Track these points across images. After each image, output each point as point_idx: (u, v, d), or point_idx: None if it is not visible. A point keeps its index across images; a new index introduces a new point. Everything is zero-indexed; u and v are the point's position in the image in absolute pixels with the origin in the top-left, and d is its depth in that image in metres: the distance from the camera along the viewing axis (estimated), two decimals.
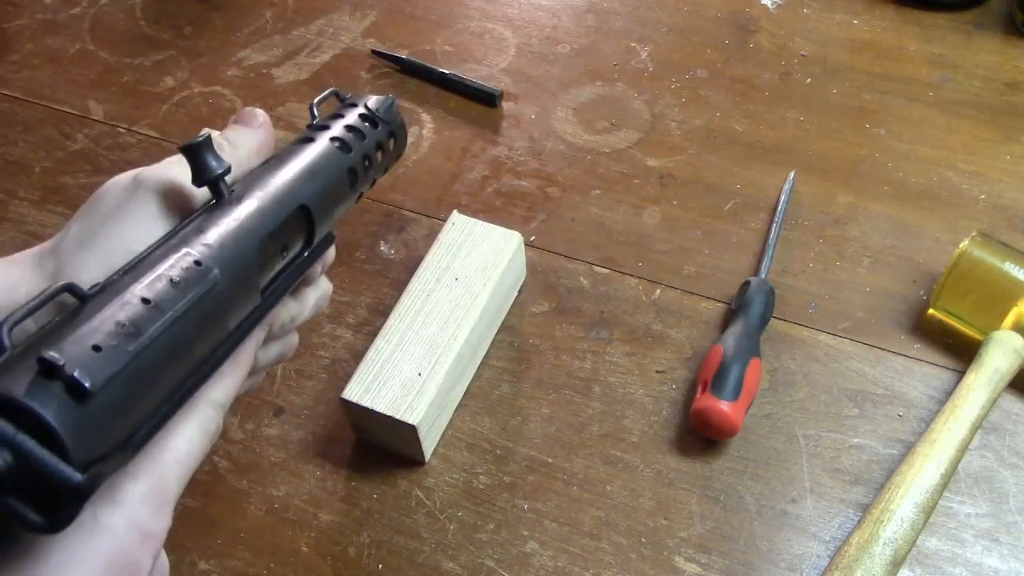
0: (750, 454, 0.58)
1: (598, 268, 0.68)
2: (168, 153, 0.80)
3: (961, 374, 0.59)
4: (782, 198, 0.70)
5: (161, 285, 0.32)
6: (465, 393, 0.62)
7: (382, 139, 0.46)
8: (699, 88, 0.80)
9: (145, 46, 0.86)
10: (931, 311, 0.63)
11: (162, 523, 0.32)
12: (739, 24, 0.85)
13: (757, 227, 0.70)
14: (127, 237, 0.36)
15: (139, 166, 0.39)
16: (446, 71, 0.80)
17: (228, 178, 0.37)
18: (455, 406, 0.61)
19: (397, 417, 0.55)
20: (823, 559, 0.54)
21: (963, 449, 0.55)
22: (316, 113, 0.45)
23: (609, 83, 0.81)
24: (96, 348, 0.28)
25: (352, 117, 0.45)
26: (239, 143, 0.41)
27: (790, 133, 0.76)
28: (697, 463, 0.58)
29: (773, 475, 0.57)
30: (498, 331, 0.65)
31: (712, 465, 0.58)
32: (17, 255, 0.38)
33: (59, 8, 0.90)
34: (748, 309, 0.62)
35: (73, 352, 0.28)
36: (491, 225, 0.64)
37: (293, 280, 0.40)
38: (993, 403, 0.57)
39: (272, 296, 0.39)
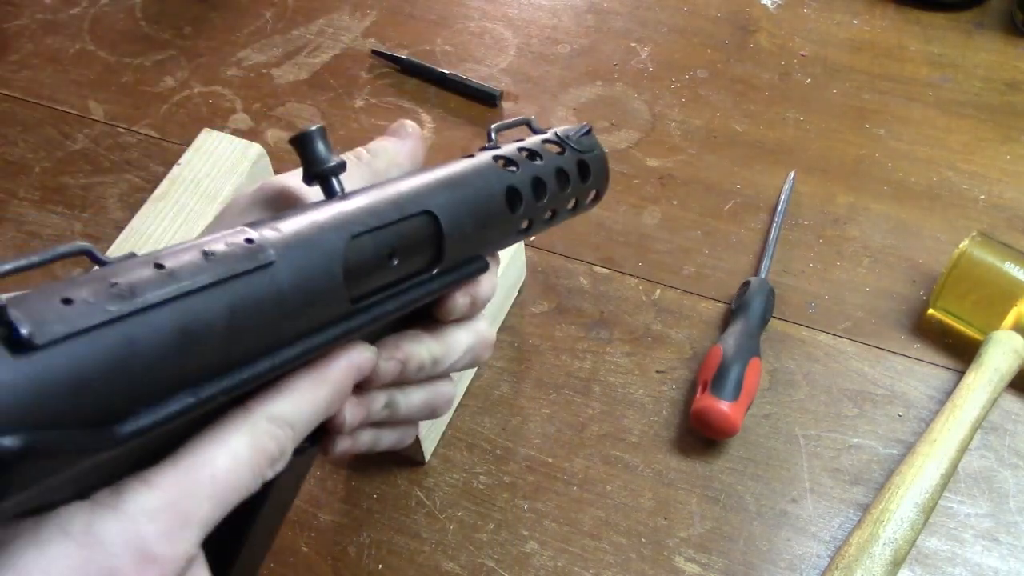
0: (750, 454, 0.58)
1: (598, 268, 0.68)
2: (169, 152, 0.80)
3: (961, 374, 0.59)
4: (782, 198, 0.70)
5: (188, 256, 0.27)
6: (465, 393, 0.62)
7: (567, 166, 0.40)
8: (699, 88, 0.80)
9: (145, 46, 0.86)
10: (931, 311, 0.63)
11: (174, 548, 0.27)
12: (739, 24, 0.85)
13: (757, 227, 0.70)
14: None
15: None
16: (446, 71, 0.80)
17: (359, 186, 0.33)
18: (455, 406, 0.61)
19: None
20: (823, 559, 0.54)
21: (963, 449, 0.55)
22: (494, 137, 0.40)
23: (609, 83, 0.81)
24: (66, 301, 0.24)
25: (533, 140, 0.40)
26: (380, 152, 0.38)
27: (790, 133, 0.76)
28: (697, 463, 0.58)
29: (773, 475, 0.57)
30: (498, 331, 0.65)
31: (712, 465, 0.58)
32: None
33: (59, 8, 0.90)
34: (748, 309, 0.62)
35: (33, 300, 0.24)
36: None
37: (412, 301, 0.35)
38: (993, 403, 0.57)
39: (372, 309, 0.33)
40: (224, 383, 0.28)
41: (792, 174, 0.72)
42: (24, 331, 0.23)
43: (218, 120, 0.79)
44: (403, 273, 0.34)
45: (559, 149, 0.40)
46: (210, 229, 0.34)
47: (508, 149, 0.39)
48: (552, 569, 0.54)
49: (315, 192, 0.34)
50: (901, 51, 0.81)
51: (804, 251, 0.68)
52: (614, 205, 0.72)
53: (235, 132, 0.76)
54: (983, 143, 0.74)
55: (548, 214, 0.41)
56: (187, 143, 0.71)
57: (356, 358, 0.33)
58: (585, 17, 0.86)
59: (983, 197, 0.71)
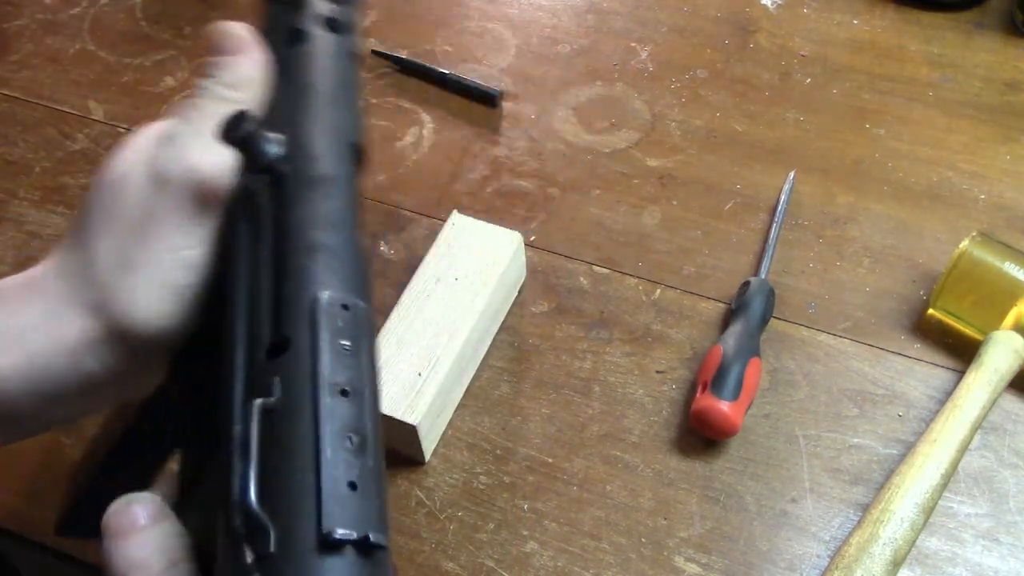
0: (750, 454, 0.58)
1: (598, 268, 0.68)
2: None
3: (961, 374, 0.59)
4: (782, 198, 0.70)
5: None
6: (465, 393, 0.62)
7: None
8: (699, 88, 0.80)
9: (145, 46, 0.86)
10: (931, 311, 0.63)
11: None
12: (739, 24, 0.85)
13: (757, 227, 0.70)
14: (177, 253, 0.32)
15: None
16: (446, 71, 0.80)
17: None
18: (455, 406, 0.61)
19: (397, 417, 0.55)
20: (823, 559, 0.54)
21: (963, 449, 0.55)
22: None
23: (609, 83, 0.81)
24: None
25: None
26: (240, 82, 0.34)
27: (790, 133, 0.76)
28: (697, 463, 0.58)
29: (773, 475, 0.57)
30: (498, 331, 0.65)
31: (712, 465, 0.58)
32: (26, 288, 0.33)
33: (59, 8, 0.90)
34: (748, 309, 0.62)
35: None
36: (491, 225, 0.64)
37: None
38: (993, 403, 0.57)
39: None
40: None
41: (792, 174, 0.72)
42: None
43: None
44: None
45: None
46: (107, 231, 0.32)
47: (322, 4, 0.36)
48: (552, 569, 0.54)
49: (229, 163, 0.33)
50: (901, 51, 0.81)
51: (804, 251, 0.68)
52: (614, 205, 0.72)
53: None
54: (983, 143, 0.74)
55: None
56: None
57: None
58: (585, 17, 0.86)
59: (983, 197, 0.71)
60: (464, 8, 0.88)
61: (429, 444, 0.58)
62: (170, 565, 0.28)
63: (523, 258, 0.66)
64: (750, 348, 0.59)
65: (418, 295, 0.61)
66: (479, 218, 0.65)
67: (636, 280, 0.67)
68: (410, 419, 0.55)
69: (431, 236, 0.67)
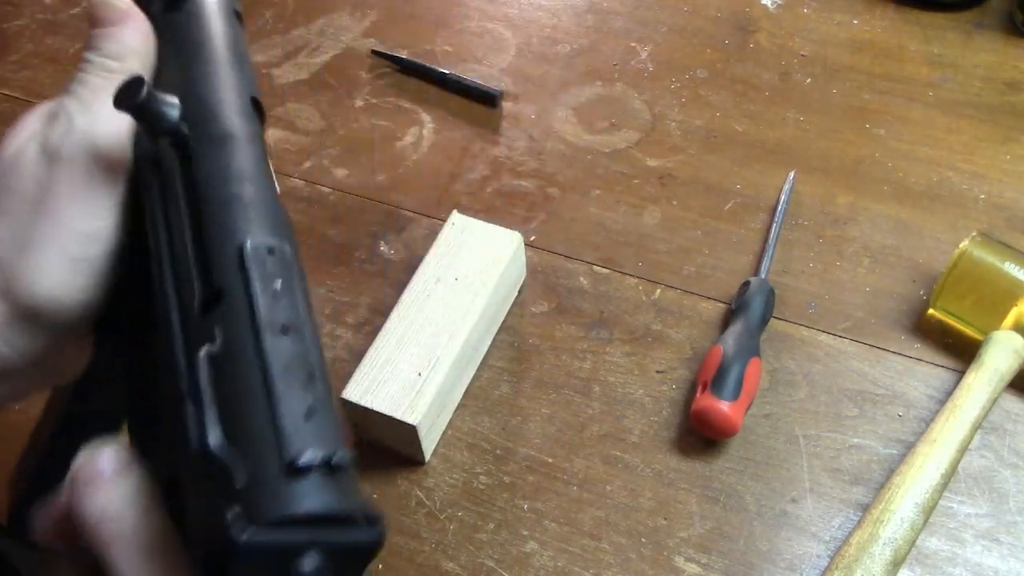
0: (750, 454, 0.58)
1: (598, 268, 0.68)
2: None
3: (961, 374, 0.59)
4: (782, 198, 0.70)
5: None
6: (465, 393, 0.62)
7: None
8: (699, 88, 0.80)
9: None
10: (931, 311, 0.63)
11: None
12: (739, 24, 0.85)
13: (757, 227, 0.70)
14: (77, 226, 0.31)
15: None
16: (446, 71, 0.80)
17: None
18: (455, 406, 0.61)
19: (397, 417, 0.55)
20: (823, 559, 0.54)
21: (963, 449, 0.55)
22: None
23: (609, 83, 0.81)
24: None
25: None
26: (124, 52, 0.34)
27: (790, 133, 0.76)
28: (697, 463, 0.58)
29: (773, 475, 0.57)
30: (498, 331, 0.65)
31: (712, 465, 0.58)
32: None
33: (59, 8, 0.90)
34: (748, 309, 0.62)
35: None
36: (491, 225, 0.64)
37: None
38: (993, 403, 0.57)
39: None
40: None
41: (792, 174, 0.72)
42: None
43: None
44: None
45: None
46: (2, 212, 0.32)
47: None
48: (552, 569, 0.54)
49: (125, 128, 0.33)
50: (901, 51, 0.81)
51: (804, 251, 0.68)
52: (614, 205, 0.72)
53: None
54: (983, 143, 0.74)
55: None
56: None
57: None
58: (585, 17, 0.86)
59: (983, 197, 0.71)
60: (464, 8, 0.88)
61: (429, 444, 0.58)
62: (143, 513, 0.28)
63: (523, 258, 0.66)
64: (750, 348, 0.59)
65: (418, 295, 0.61)
66: (479, 218, 0.65)
67: (636, 280, 0.67)
68: (410, 419, 0.55)
69: (431, 236, 0.67)
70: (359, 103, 0.80)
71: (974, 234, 0.61)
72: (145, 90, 0.30)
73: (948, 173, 0.72)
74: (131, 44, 0.34)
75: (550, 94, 0.80)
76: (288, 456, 0.25)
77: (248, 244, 0.29)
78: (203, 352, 0.27)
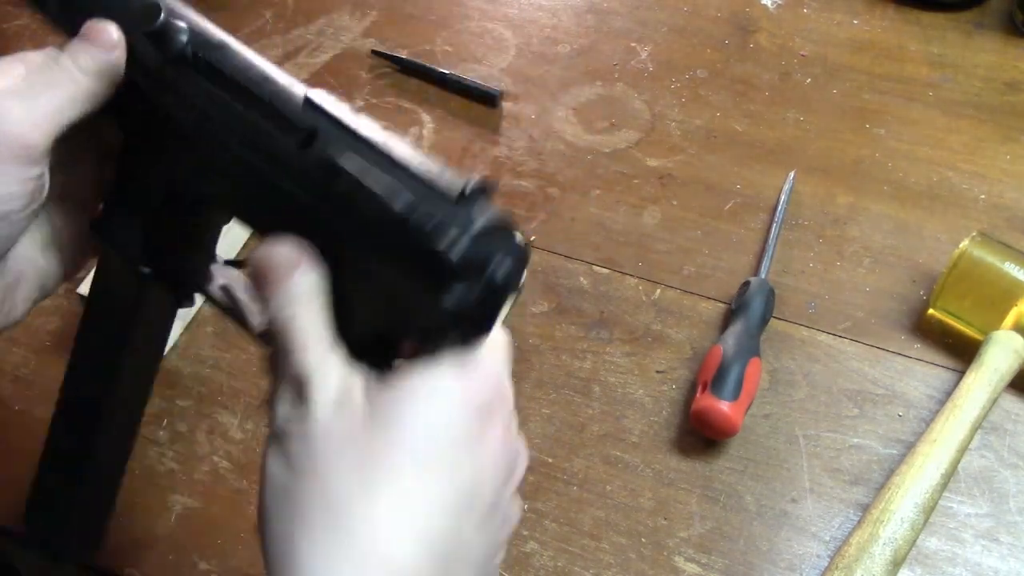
0: (750, 454, 0.58)
1: (598, 268, 0.68)
2: None
3: (961, 374, 0.59)
4: (782, 198, 0.70)
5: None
6: None
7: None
8: (699, 88, 0.80)
9: None
10: (931, 311, 0.63)
11: None
12: (739, 24, 0.85)
13: (757, 227, 0.70)
14: None
15: None
16: (446, 71, 0.80)
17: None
18: None
19: None
20: (823, 559, 0.54)
21: (963, 449, 0.55)
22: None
23: (609, 83, 0.81)
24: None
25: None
26: (87, 66, 0.37)
27: (790, 133, 0.76)
28: (697, 463, 0.58)
29: (773, 475, 0.57)
30: None
31: (712, 465, 0.58)
32: None
33: None
34: (748, 309, 0.62)
35: None
36: None
37: None
38: (993, 403, 0.57)
39: None
40: None
41: (792, 174, 0.72)
42: None
43: None
44: None
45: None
46: None
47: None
48: (552, 569, 0.54)
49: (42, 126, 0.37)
50: (901, 51, 0.81)
51: (804, 251, 0.68)
52: (614, 205, 0.72)
53: None
54: (983, 143, 0.74)
55: None
56: None
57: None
58: (585, 17, 0.86)
59: (983, 197, 0.71)
60: (464, 8, 0.88)
61: None
62: (318, 303, 0.34)
63: None
64: (750, 348, 0.59)
65: None
66: None
67: (636, 280, 0.67)
68: None
69: None
70: (359, 103, 0.80)
71: (974, 234, 0.61)
72: (161, 15, 0.36)
73: (948, 173, 0.72)
74: (93, 66, 0.38)
75: (550, 94, 0.80)
76: (454, 191, 0.31)
77: (309, 93, 0.35)
78: (344, 156, 0.33)
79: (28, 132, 0.36)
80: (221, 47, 0.38)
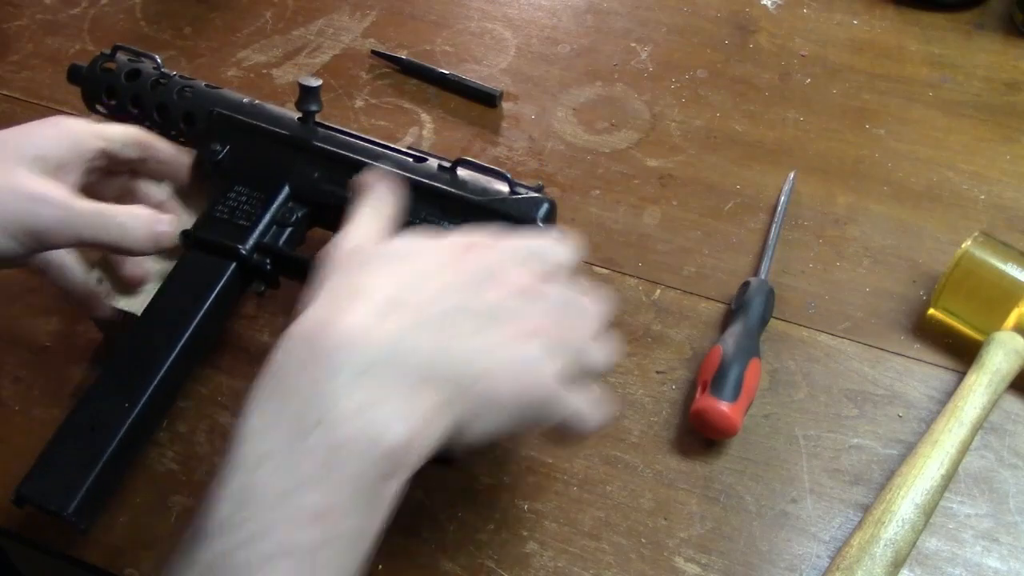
0: (750, 454, 0.58)
1: (598, 268, 0.68)
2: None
3: (962, 374, 0.59)
4: (782, 198, 0.70)
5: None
6: None
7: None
8: (699, 88, 0.80)
9: (145, 46, 0.86)
10: (931, 311, 0.63)
11: None
12: (739, 24, 0.85)
13: (757, 227, 0.70)
14: None
15: None
16: (446, 71, 0.80)
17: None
18: None
19: None
20: (823, 559, 0.54)
21: (964, 450, 0.55)
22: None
23: (609, 83, 0.81)
24: None
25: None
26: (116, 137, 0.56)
27: (790, 133, 0.76)
28: (697, 463, 0.58)
29: (773, 475, 0.57)
30: None
31: (712, 465, 0.58)
32: None
33: (59, 8, 0.90)
34: (748, 309, 0.62)
35: None
36: None
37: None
38: (994, 404, 0.57)
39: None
40: None
41: (792, 174, 0.72)
42: None
43: None
44: None
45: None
46: None
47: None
48: (552, 569, 0.54)
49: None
50: (901, 51, 0.81)
51: (804, 251, 0.68)
52: (614, 205, 0.72)
53: None
54: (983, 143, 0.74)
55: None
56: None
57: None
58: (585, 17, 0.86)
59: (983, 197, 0.71)
60: (464, 8, 0.88)
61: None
62: (393, 216, 0.49)
63: None
64: (750, 348, 0.59)
65: None
66: None
67: (636, 280, 0.67)
68: None
69: None
70: (359, 103, 0.80)
71: (976, 234, 0.61)
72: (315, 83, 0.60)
73: (948, 173, 0.72)
74: (125, 137, 0.62)
75: (550, 94, 0.80)
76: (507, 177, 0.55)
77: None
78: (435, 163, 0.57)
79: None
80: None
